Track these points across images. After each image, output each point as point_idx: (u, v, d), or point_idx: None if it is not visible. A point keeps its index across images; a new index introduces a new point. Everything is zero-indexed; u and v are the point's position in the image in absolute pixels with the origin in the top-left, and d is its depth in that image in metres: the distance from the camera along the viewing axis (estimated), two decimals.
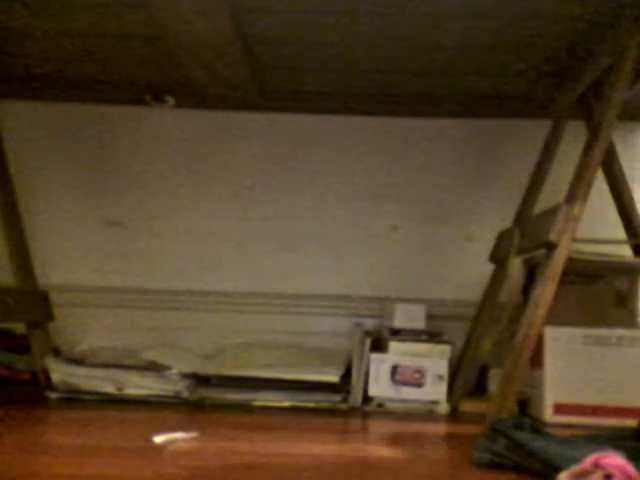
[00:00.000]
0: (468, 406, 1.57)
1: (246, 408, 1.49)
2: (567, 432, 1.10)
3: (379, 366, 1.55)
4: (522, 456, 0.94)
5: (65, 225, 1.91)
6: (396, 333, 1.60)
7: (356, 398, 1.54)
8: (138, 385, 1.54)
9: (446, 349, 1.58)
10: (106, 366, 1.56)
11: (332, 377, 1.53)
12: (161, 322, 1.85)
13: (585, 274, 1.52)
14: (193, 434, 1.15)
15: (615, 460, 0.79)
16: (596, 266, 1.50)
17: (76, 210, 1.92)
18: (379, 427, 1.42)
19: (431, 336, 1.62)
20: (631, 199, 1.65)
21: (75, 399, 1.52)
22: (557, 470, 0.84)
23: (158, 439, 1.08)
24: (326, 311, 1.82)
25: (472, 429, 1.23)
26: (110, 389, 1.53)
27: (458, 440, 1.30)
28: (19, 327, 1.74)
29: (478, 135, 1.92)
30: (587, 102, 1.65)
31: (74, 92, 1.82)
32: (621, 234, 1.66)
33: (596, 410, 1.43)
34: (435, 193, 1.92)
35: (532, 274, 1.57)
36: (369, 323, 1.82)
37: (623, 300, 1.53)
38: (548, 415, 1.44)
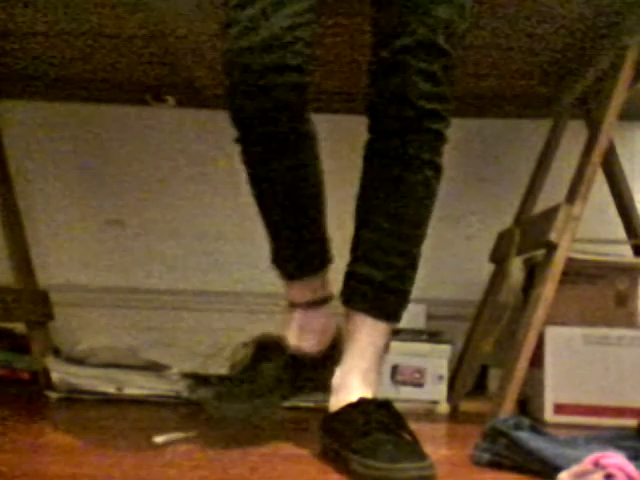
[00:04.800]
0: (468, 406, 1.58)
1: None
2: (567, 432, 1.10)
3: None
4: (522, 456, 0.94)
5: (65, 225, 1.91)
6: (396, 333, 1.60)
7: None
8: (138, 385, 1.54)
9: (446, 349, 1.58)
10: (106, 366, 1.56)
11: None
12: (161, 322, 1.85)
13: (585, 274, 1.52)
14: (193, 434, 1.15)
15: (615, 460, 0.79)
16: (596, 266, 1.50)
17: (76, 210, 1.92)
18: None
19: (431, 336, 1.62)
20: (631, 199, 1.65)
21: (75, 399, 1.52)
22: (557, 470, 0.84)
23: (158, 439, 1.08)
24: None
25: (472, 429, 1.23)
26: (110, 389, 1.53)
27: (458, 440, 1.30)
28: (19, 327, 1.74)
29: (478, 135, 1.92)
30: (587, 102, 1.65)
31: (74, 92, 1.82)
32: (621, 234, 1.66)
33: (596, 410, 1.43)
34: None
35: (532, 274, 1.57)
36: None
37: (623, 300, 1.53)
38: (548, 415, 1.44)
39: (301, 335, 1.14)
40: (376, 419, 0.96)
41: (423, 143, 1.04)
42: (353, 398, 1.02)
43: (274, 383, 1.04)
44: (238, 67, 0.97)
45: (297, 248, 1.12)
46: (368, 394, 1.04)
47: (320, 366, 1.12)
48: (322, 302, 1.15)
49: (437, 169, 1.07)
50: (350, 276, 1.10)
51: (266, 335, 1.21)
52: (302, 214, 1.10)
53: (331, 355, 1.13)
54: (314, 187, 1.10)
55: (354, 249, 1.10)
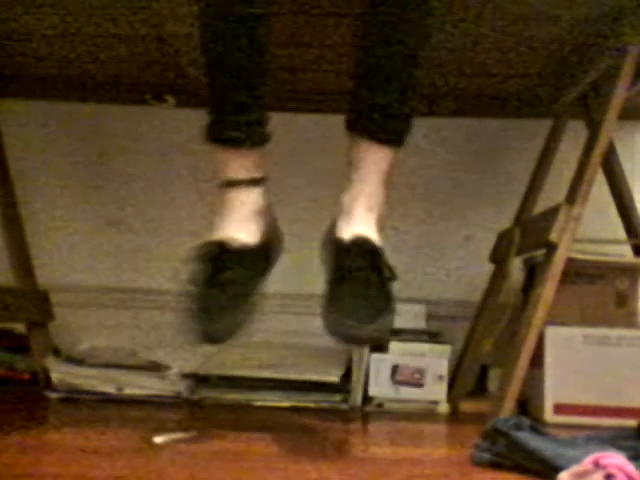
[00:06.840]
0: (468, 406, 1.58)
1: (246, 408, 1.49)
2: (567, 432, 1.10)
3: (379, 366, 1.54)
4: (522, 456, 0.94)
5: (65, 225, 1.91)
6: (396, 333, 1.60)
7: (356, 398, 1.53)
8: (138, 385, 1.54)
9: (446, 349, 1.58)
10: (106, 366, 1.56)
11: (332, 377, 1.53)
12: (161, 322, 1.85)
13: (585, 274, 1.52)
14: (193, 434, 1.15)
15: (615, 460, 0.79)
16: (596, 266, 1.50)
17: (76, 210, 1.92)
18: (379, 427, 1.42)
19: (431, 336, 1.62)
20: (631, 199, 1.65)
21: (75, 399, 1.52)
22: (557, 470, 0.84)
23: (158, 439, 1.08)
24: None
25: (472, 429, 1.23)
26: (110, 389, 1.53)
27: (458, 440, 1.30)
28: (19, 327, 1.74)
29: (478, 135, 1.92)
30: (587, 102, 1.65)
31: (74, 92, 1.82)
32: (621, 234, 1.66)
33: (596, 410, 1.43)
34: (435, 193, 1.92)
35: (532, 274, 1.57)
36: None
37: (623, 300, 1.53)
38: (548, 415, 1.44)
39: (239, 224, 1.13)
40: (349, 267, 1.05)
41: None
42: (356, 228, 1.08)
43: (241, 289, 1.08)
44: None
45: (244, 111, 1.12)
46: (371, 220, 1.10)
47: (261, 259, 1.15)
48: (258, 182, 1.16)
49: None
50: (354, 100, 1.11)
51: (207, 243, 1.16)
52: (255, 75, 1.11)
53: (268, 250, 1.17)
54: (266, 53, 1.11)
55: (356, 75, 1.11)
